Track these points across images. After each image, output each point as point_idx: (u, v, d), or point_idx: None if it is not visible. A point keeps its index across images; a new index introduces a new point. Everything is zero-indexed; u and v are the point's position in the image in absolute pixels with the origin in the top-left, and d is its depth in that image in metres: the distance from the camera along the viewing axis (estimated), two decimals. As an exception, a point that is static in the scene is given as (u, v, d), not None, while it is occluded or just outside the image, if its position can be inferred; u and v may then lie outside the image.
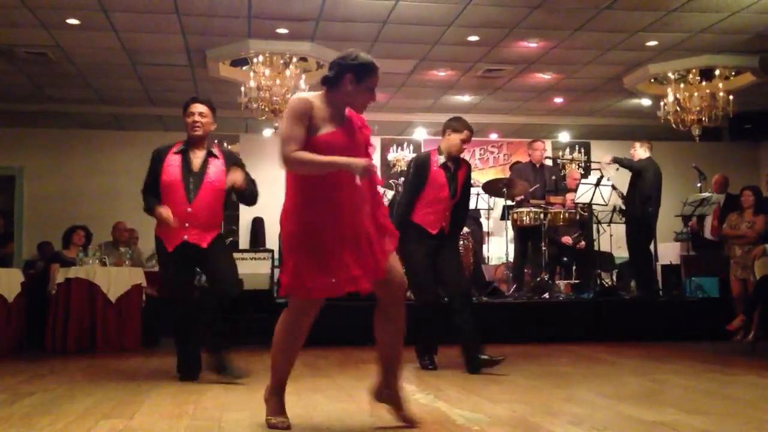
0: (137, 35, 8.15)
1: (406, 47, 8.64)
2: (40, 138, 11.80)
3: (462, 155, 5.15)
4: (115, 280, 6.82)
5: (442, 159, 5.06)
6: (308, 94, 3.04)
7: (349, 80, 2.97)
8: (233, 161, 4.70)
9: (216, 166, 4.58)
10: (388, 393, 3.25)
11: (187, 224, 4.46)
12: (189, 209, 4.46)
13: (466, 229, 7.98)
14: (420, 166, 5.09)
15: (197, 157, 4.56)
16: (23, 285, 6.90)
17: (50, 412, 3.60)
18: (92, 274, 6.77)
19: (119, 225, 8.64)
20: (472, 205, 8.76)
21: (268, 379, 3.34)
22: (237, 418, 3.46)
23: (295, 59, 8.63)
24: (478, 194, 8.78)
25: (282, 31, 8.13)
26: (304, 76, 8.78)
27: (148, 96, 10.65)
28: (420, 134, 12.30)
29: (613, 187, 8.29)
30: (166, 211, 4.44)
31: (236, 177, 4.40)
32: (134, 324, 6.88)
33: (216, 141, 4.89)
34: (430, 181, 5.00)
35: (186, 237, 4.47)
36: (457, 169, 5.08)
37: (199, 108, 4.56)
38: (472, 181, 5.54)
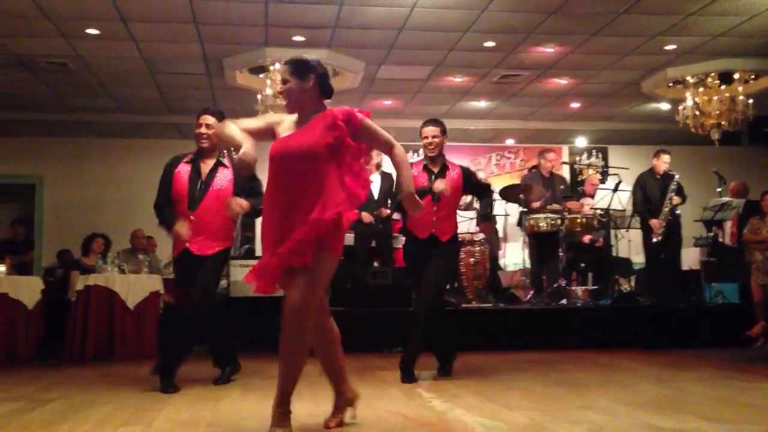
0: (155, 44, 8.23)
1: (422, 53, 8.65)
2: (60, 147, 11.93)
3: (442, 158, 5.01)
4: (134, 288, 6.87)
5: (424, 163, 5.04)
6: (292, 115, 3.22)
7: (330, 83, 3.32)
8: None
9: (224, 175, 4.64)
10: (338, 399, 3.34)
11: (190, 232, 4.51)
12: (192, 217, 4.51)
13: (482, 235, 7.98)
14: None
15: (206, 166, 4.63)
16: (43, 292, 6.98)
17: (69, 419, 3.63)
18: (111, 281, 6.82)
19: (137, 232, 8.71)
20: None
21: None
22: (253, 425, 3.46)
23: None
24: (494, 200, 8.77)
25: (298, 38, 8.17)
26: (320, 84, 8.80)
27: (166, 104, 10.74)
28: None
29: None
30: (182, 228, 4.49)
31: (235, 207, 4.26)
32: (152, 331, 6.92)
33: (226, 150, 4.90)
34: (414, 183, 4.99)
35: (188, 245, 4.52)
36: (443, 172, 4.96)
37: (207, 119, 4.62)
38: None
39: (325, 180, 3.05)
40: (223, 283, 8.87)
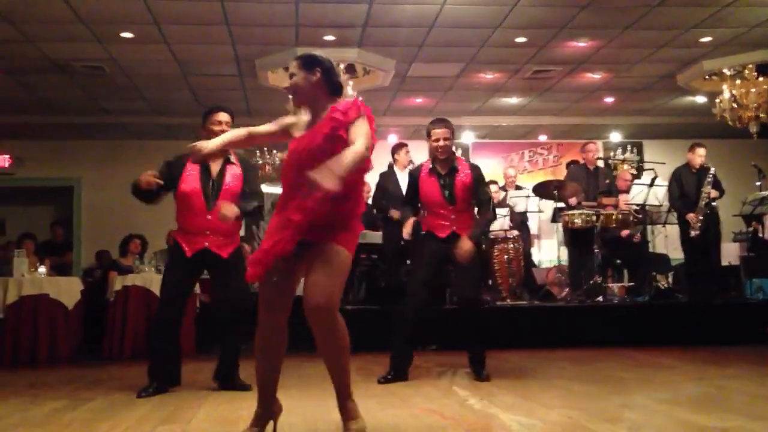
0: (188, 47, 8.31)
1: (453, 50, 8.61)
2: (97, 149, 12.12)
3: (452, 158, 4.92)
4: (170, 287, 6.94)
5: (430, 166, 4.95)
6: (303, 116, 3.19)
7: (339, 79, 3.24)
8: (249, 167, 4.82)
9: (233, 173, 4.66)
10: (338, 404, 3.13)
11: (208, 232, 4.53)
12: (209, 216, 4.52)
13: (515, 233, 7.93)
14: (411, 174, 5.19)
15: (215, 165, 4.62)
16: (82, 293, 7.11)
17: (109, 418, 3.69)
18: (148, 281, 6.91)
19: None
20: (521, 208, 8.73)
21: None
22: (291, 422, 3.49)
23: (342, 65, 8.68)
24: (528, 196, 8.71)
25: (329, 38, 8.19)
26: (351, 83, 8.82)
27: (199, 106, 10.83)
28: (468, 138, 12.24)
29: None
30: (146, 176, 4.45)
31: (227, 212, 4.19)
32: (189, 330, 6.99)
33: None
34: (421, 188, 4.93)
35: (207, 244, 4.52)
36: (453, 174, 4.85)
37: (224, 117, 4.63)
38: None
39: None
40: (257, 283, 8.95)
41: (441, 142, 4.81)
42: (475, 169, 4.94)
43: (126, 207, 11.62)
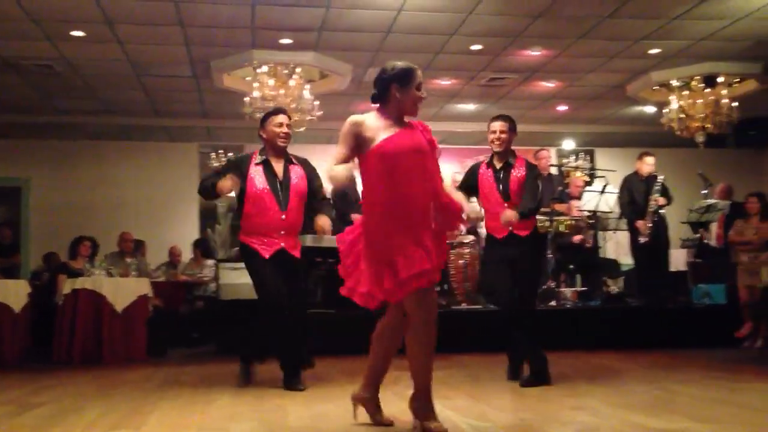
0: (142, 47, 8.19)
1: (410, 56, 8.55)
2: (47, 149, 11.84)
3: (509, 153, 4.86)
4: (122, 291, 6.84)
5: (488, 160, 4.92)
6: (362, 115, 3.28)
7: (396, 89, 3.25)
8: (310, 167, 4.84)
9: (297, 173, 4.72)
10: (415, 405, 3.26)
11: (282, 232, 4.56)
12: (283, 216, 4.56)
13: (471, 237, 8.00)
14: (468, 170, 5.08)
15: (279, 166, 4.67)
16: (30, 296, 6.94)
17: (58, 424, 3.61)
18: (99, 284, 6.79)
19: (125, 236, 8.66)
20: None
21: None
22: (244, 428, 3.46)
23: (298, 69, 8.67)
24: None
25: (286, 41, 8.17)
26: (308, 86, 8.81)
27: (154, 107, 10.70)
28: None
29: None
30: (226, 182, 4.49)
31: (324, 224, 4.53)
32: (140, 334, 6.89)
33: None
34: (479, 182, 4.86)
35: (283, 245, 4.56)
36: (508, 168, 4.81)
37: (286, 119, 4.70)
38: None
39: (437, 173, 3.26)
40: (213, 286, 8.88)
41: (496, 135, 4.81)
42: (531, 168, 4.88)
43: (76, 208, 11.51)
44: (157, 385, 4.99)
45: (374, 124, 3.23)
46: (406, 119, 3.32)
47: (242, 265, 7.71)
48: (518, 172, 4.81)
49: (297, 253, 4.64)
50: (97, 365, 6.43)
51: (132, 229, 9.09)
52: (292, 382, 4.59)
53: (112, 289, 6.78)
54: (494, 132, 4.84)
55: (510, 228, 4.68)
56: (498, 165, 4.86)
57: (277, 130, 4.64)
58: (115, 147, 12.02)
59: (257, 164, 4.66)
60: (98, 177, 11.77)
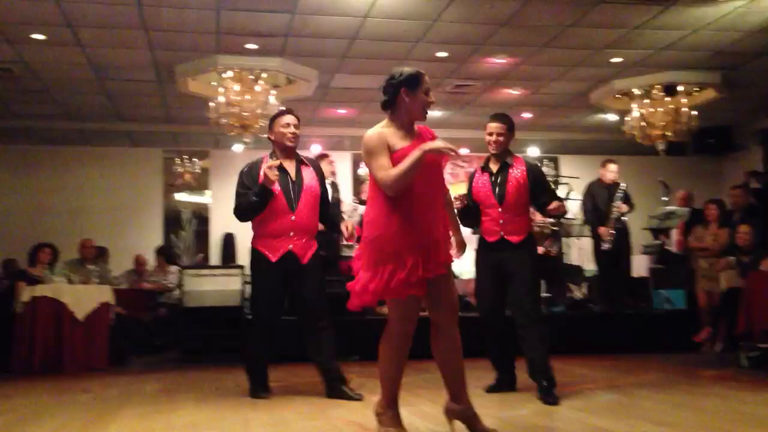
0: (104, 50, 8.08)
1: (376, 63, 8.68)
2: (6, 154, 11.58)
3: (506, 155, 4.68)
4: (83, 298, 6.71)
5: (483, 163, 4.77)
6: (376, 128, 3.27)
7: (405, 93, 3.27)
8: (321, 170, 4.82)
9: (309, 174, 4.67)
10: (457, 408, 3.29)
11: (292, 233, 4.49)
12: (293, 217, 4.50)
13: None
14: (469, 176, 4.91)
15: (291, 166, 4.61)
16: (-13, 304, 6.78)
17: (15, 435, 3.53)
18: (59, 292, 6.65)
19: (86, 242, 8.52)
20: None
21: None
22: (208, 437, 3.42)
23: (264, 74, 8.63)
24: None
25: (251, 46, 8.12)
26: (273, 92, 8.77)
27: (116, 111, 10.56)
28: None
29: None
30: (271, 173, 4.39)
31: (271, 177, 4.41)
32: (102, 343, 6.77)
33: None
34: (474, 186, 4.72)
35: (291, 247, 4.49)
36: (505, 170, 4.62)
37: (293, 119, 4.65)
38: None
39: (445, 184, 3.37)
40: (177, 293, 8.78)
41: (493, 137, 4.62)
42: (533, 168, 4.68)
43: (36, 215, 11.29)
44: (117, 394, 4.91)
45: (392, 134, 3.24)
46: (416, 126, 3.32)
47: (206, 271, 7.69)
48: (517, 172, 4.61)
49: (305, 258, 4.51)
50: (57, 374, 6.29)
51: (94, 236, 8.95)
52: (255, 391, 4.54)
53: (73, 297, 6.66)
54: (490, 134, 4.63)
55: (501, 233, 4.55)
56: (494, 168, 4.67)
57: (285, 131, 4.59)
58: (77, 152, 11.82)
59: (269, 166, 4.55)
60: (59, 183, 11.56)
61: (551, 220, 8.23)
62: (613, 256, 8.18)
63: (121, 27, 7.42)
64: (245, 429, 3.59)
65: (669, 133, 9.31)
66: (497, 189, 4.60)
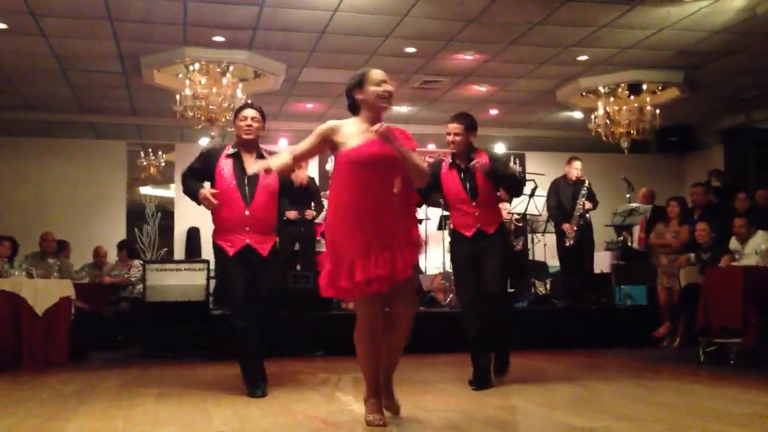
0: (68, 41, 7.94)
1: (344, 57, 8.66)
2: (-36, 145, 11.37)
3: (470, 151, 4.77)
4: (42, 293, 6.58)
5: (450, 160, 4.86)
6: (341, 120, 3.48)
7: (357, 93, 3.48)
8: None
9: None
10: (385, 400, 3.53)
11: (247, 228, 4.48)
12: (247, 212, 4.49)
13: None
14: (432, 169, 4.89)
15: (250, 161, 4.55)
16: (-57, 298, 6.61)
17: (-30, 431, 3.46)
18: (18, 286, 6.51)
19: (47, 236, 8.37)
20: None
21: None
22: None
23: (231, 67, 8.55)
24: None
25: (219, 39, 8.04)
26: (241, 85, 8.70)
27: (80, 103, 10.38)
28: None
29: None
30: (208, 192, 4.45)
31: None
32: (61, 338, 6.65)
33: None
34: (443, 184, 4.83)
35: (248, 241, 4.48)
36: (468, 165, 4.73)
37: (252, 113, 4.65)
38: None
39: (405, 185, 3.39)
40: (139, 287, 8.68)
41: (451, 137, 4.74)
42: (495, 159, 4.86)
43: (-5, 207, 11.08)
44: (77, 390, 4.83)
45: (349, 130, 3.39)
46: (390, 128, 3.36)
47: (170, 266, 7.59)
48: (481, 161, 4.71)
49: (264, 251, 4.52)
50: (15, 370, 6.17)
51: (55, 229, 8.80)
52: (252, 390, 4.46)
53: (33, 291, 6.53)
54: (449, 134, 4.76)
55: (478, 226, 4.69)
56: (462, 165, 4.77)
57: (242, 124, 4.61)
58: (38, 144, 11.61)
59: (228, 156, 4.59)
60: (20, 175, 11.35)
61: (516, 215, 8.32)
62: (577, 253, 8.29)
63: (86, 17, 7.30)
64: (208, 425, 3.56)
65: (633, 131, 9.44)
66: (468, 185, 4.74)
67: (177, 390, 4.69)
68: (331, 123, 3.44)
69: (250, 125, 4.60)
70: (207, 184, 4.63)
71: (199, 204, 4.56)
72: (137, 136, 11.89)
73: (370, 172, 3.29)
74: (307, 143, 3.46)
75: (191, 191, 4.61)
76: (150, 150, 11.67)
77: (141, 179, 11.90)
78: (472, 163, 4.67)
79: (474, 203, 4.70)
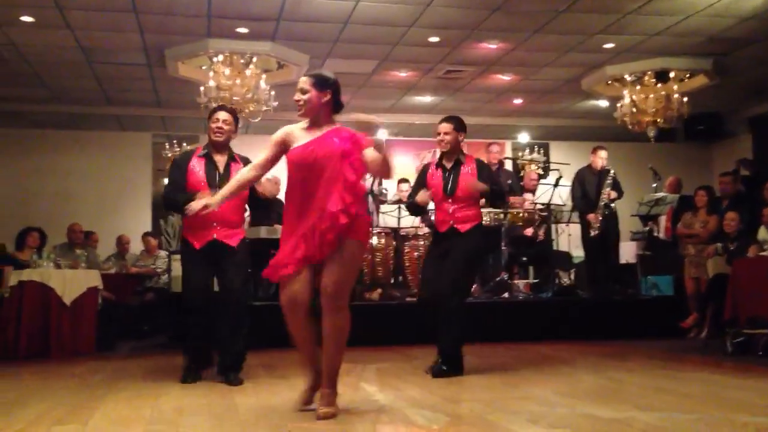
0: (94, 33, 8.01)
1: (368, 47, 8.64)
2: (-7, 138, 11.53)
3: (458, 152, 5.03)
4: (70, 283, 6.68)
5: (437, 159, 5.12)
6: (292, 125, 3.63)
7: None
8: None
9: (239, 170, 4.66)
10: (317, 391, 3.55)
11: (215, 224, 4.61)
12: (217, 209, 4.49)
13: (426, 230, 8.03)
14: (422, 169, 5.31)
15: (222, 160, 4.76)
16: (-26, 288, 6.74)
17: (1, 418, 3.52)
18: (46, 276, 6.62)
19: (74, 226, 8.48)
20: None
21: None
22: (194, 422, 3.42)
23: (255, 59, 8.57)
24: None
25: (242, 30, 8.07)
26: (264, 76, 8.72)
27: (105, 95, 10.48)
28: (381, 135, 12.30)
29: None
30: (197, 204, 4.44)
31: (270, 187, 4.72)
32: (89, 327, 6.75)
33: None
34: (429, 182, 5.07)
35: (215, 235, 4.63)
36: (457, 167, 5.00)
37: (222, 115, 4.79)
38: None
39: (338, 177, 3.45)
40: (165, 278, 8.76)
41: (441, 136, 4.99)
42: (482, 164, 5.12)
43: (24, 199, 11.23)
44: (104, 379, 4.90)
45: (297, 133, 3.57)
46: (334, 126, 3.57)
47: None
48: (468, 170, 5.00)
49: (233, 242, 4.65)
50: (44, 359, 6.28)
51: (82, 220, 8.90)
52: (184, 375, 4.65)
53: (61, 281, 6.63)
54: (438, 133, 5.01)
55: (451, 222, 4.89)
56: (448, 165, 5.04)
57: (212, 125, 4.77)
58: (65, 136, 11.75)
59: (200, 157, 4.77)
60: (47, 167, 11.50)
61: (540, 205, 8.27)
62: (601, 243, 8.22)
63: (112, 9, 7.36)
64: (233, 413, 3.59)
65: (660, 120, 9.32)
66: (449, 184, 4.99)
67: (201, 379, 4.73)
68: (284, 128, 3.61)
69: (220, 127, 4.75)
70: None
71: (181, 206, 4.56)
72: (162, 128, 11.98)
73: (306, 170, 3.45)
74: (269, 152, 3.61)
75: (172, 202, 4.71)
76: (175, 141, 11.74)
77: (166, 170, 11.97)
78: (473, 186, 4.88)
79: (450, 200, 4.94)
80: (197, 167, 4.71)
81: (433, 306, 4.84)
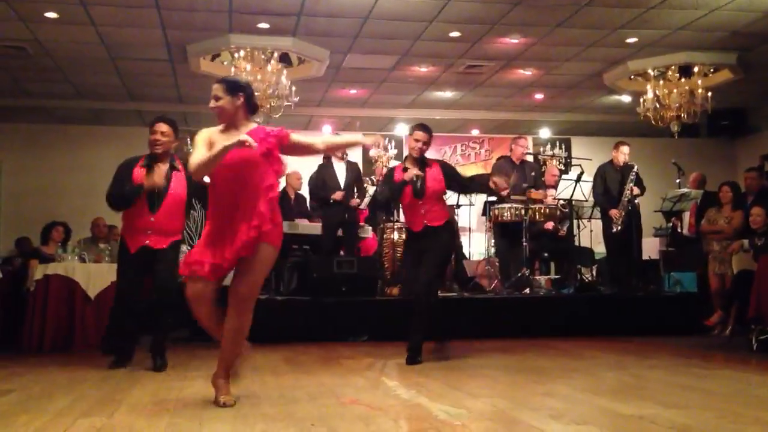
0: (116, 29, 8.08)
1: (388, 43, 8.64)
2: (19, 133, 11.67)
3: (426, 155, 5.36)
4: (95, 277, 6.75)
5: (406, 163, 5.41)
6: (211, 128, 3.69)
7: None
8: (189, 176, 5.00)
9: (178, 179, 4.96)
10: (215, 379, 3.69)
11: (149, 231, 4.85)
12: (152, 218, 4.85)
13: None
14: (386, 174, 5.65)
15: (161, 171, 4.90)
16: (0, 281, 6.83)
17: (27, 411, 3.56)
18: (71, 270, 6.70)
19: (98, 221, 8.56)
20: (453, 201, 8.82)
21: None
22: (218, 414, 3.44)
23: (276, 54, 8.60)
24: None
25: (263, 26, 8.09)
26: (285, 72, 8.74)
27: (128, 91, 10.57)
28: (401, 130, 12.31)
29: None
30: (152, 179, 4.83)
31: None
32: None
33: (176, 153, 5.21)
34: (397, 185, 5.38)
35: (147, 242, 4.87)
36: (423, 170, 5.28)
37: (161, 127, 4.97)
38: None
39: (261, 183, 3.52)
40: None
41: (420, 144, 5.26)
42: (445, 165, 5.53)
43: (48, 193, 11.36)
44: (128, 372, 4.95)
45: (216, 137, 3.60)
46: (250, 127, 3.63)
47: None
48: (434, 171, 5.30)
49: (164, 245, 4.87)
50: (69, 352, 6.35)
51: (105, 215, 8.97)
52: (112, 362, 5.04)
53: (85, 275, 6.70)
54: (417, 140, 5.26)
55: (425, 221, 5.23)
56: (417, 168, 5.31)
57: (151, 137, 4.95)
58: (88, 131, 11.87)
59: (142, 166, 4.93)
60: (70, 161, 11.62)
61: (562, 201, 8.23)
62: (623, 239, 8.15)
63: (134, 6, 7.42)
64: (256, 408, 3.61)
65: (683, 115, 9.23)
66: (417, 186, 5.26)
67: (100, 383, 4.73)
68: (203, 130, 3.66)
69: (158, 139, 4.92)
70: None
71: (136, 195, 4.82)
72: (183, 124, 12.01)
73: (222, 174, 3.51)
74: (201, 150, 3.58)
75: (121, 195, 4.90)
76: (188, 138, 11.81)
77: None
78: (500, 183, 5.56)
79: (420, 202, 5.24)
80: (138, 176, 4.88)
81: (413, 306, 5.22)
